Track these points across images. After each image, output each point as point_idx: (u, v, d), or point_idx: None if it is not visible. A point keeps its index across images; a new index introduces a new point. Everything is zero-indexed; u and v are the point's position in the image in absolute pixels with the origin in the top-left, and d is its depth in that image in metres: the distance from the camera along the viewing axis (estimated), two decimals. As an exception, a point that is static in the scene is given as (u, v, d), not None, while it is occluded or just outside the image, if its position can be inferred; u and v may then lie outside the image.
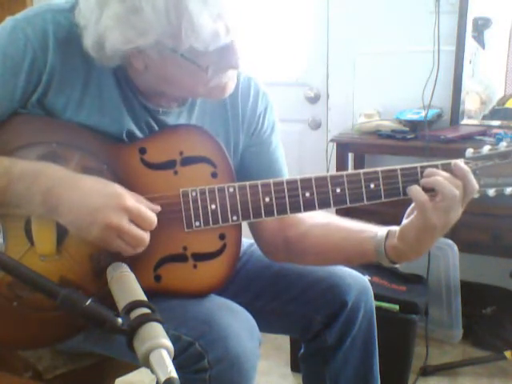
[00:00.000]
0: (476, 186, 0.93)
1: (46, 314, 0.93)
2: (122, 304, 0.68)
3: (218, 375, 0.91)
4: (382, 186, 0.95)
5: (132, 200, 0.88)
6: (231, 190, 0.97)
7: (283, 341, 2.11)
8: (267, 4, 2.34)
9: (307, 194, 0.96)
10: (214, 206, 0.96)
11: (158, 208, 0.93)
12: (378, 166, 0.97)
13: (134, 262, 0.90)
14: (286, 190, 0.97)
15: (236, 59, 0.89)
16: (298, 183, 0.96)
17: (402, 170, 0.95)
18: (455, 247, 2.04)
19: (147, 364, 0.60)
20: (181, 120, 1.03)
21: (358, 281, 1.16)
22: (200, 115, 1.05)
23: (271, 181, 0.97)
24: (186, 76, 0.90)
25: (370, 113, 2.27)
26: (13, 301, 0.94)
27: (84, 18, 0.87)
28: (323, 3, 2.39)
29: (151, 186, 0.96)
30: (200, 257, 0.99)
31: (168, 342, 0.61)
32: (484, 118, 2.22)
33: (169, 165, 0.97)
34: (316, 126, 2.57)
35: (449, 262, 2.08)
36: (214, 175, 0.99)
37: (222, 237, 1.00)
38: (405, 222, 0.96)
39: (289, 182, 0.97)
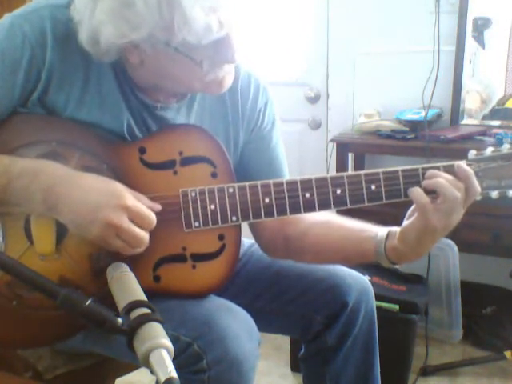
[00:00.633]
0: (478, 188, 0.92)
1: (45, 314, 0.93)
2: (121, 304, 0.68)
3: (216, 376, 0.90)
4: (383, 188, 0.95)
5: (132, 199, 0.88)
6: (231, 190, 0.96)
7: (283, 341, 2.11)
8: (267, 4, 2.34)
9: (307, 195, 0.96)
10: (213, 207, 0.96)
11: (159, 207, 0.93)
12: (378, 166, 0.97)
13: (134, 262, 0.90)
14: (285, 191, 0.96)
15: (232, 53, 0.88)
16: (298, 184, 0.96)
17: (403, 171, 0.95)
18: (455, 247, 2.04)
19: (147, 364, 0.60)
20: (180, 115, 1.03)
21: (358, 281, 1.15)
22: (199, 111, 1.05)
23: (271, 181, 0.97)
24: (180, 70, 0.90)
25: (370, 113, 2.27)
26: (12, 300, 0.93)
27: (79, 13, 0.87)
28: (323, 3, 2.39)
29: (151, 185, 0.96)
30: (199, 257, 0.98)
31: (168, 342, 0.61)
32: (484, 117, 2.22)
33: (168, 165, 0.97)
34: (316, 126, 2.57)
35: (449, 261, 2.08)
36: (213, 175, 0.99)
37: (221, 237, 0.99)
38: (405, 223, 0.95)
39: (289, 183, 0.96)
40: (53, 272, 0.92)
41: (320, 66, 2.46)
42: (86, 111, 0.94)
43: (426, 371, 1.99)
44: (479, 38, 2.23)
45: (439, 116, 2.17)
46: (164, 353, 0.59)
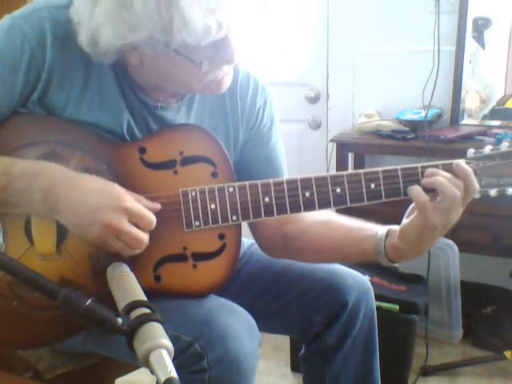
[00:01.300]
0: (477, 186, 0.92)
1: (45, 314, 0.93)
2: (121, 304, 0.68)
3: (217, 376, 0.90)
4: (382, 186, 0.95)
5: (132, 200, 0.88)
6: (231, 189, 0.96)
7: (283, 341, 2.11)
8: (267, 4, 2.34)
9: (307, 194, 0.96)
10: (213, 206, 0.96)
11: (159, 206, 0.93)
12: (378, 166, 0.97)
13: (134, 262, 0.90)
14: (285, 190, 0.96)
15: (231, 54, 0.88)
16: (298, 183, 0.96)
17: (402, 170, 0.95)
18: (455, 247, 2.04)
19: (147, 364, 0.60)
20: (180, 115, 1.03)
21: (358, 281, 1.15)
22: (199, 110, 1.05)
23: (271, 181, 0.97)
24: (180, 71, 0.90)
25: (370, 113, 2.27)
26: (13, 300, 0.94)
27: (78, 14, 0.87)
28: (323, 3, 2.39)
29: (151, 185, 0.96)
30: (200, 256, 0.99)
31: (168, 342, 0.61)
32: (484, 117, 2.22)
33: (169, 164, 0.97)
34: (316, 125, 2.57)
35: (449, 262, 2.08)
36: (214, 175, 0.99)
37: (221, 236, 1.00)
38: (405, 221, 0.95)
39: (289, 182, 0.97)
40: (53, 272, 0.93)
41: (320, 66, 2.46)
42: (86, 111, 0.94)
43: (426, 371, 1.99)
44: (479, 38, 2.23)
45: (439, 116, 2.17)
46: (164, 353, 0.59)
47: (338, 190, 0.96)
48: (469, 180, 0.91)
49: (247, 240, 1.20)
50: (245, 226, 1.03)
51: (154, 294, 0.89)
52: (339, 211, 1.09)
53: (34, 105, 0.93)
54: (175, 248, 0.98)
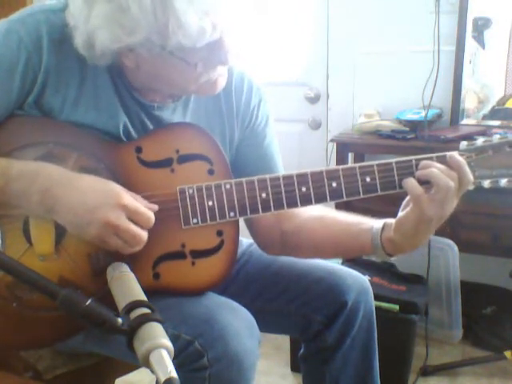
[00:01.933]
0: (471, 177, 0.93)
1: (45, 315, 0.93)
2: (121, 304, 0.68)
3: (217, 373, 0.91)
4: (377, 180, 0.96)
5: (129, 198, 0.89)
6: (228, 186, 0.97)
7: (283, 341, 2.11)
8: (267, 4, 2.34)
9: (304, 189, 0.97)
10: (211, 203, 0.97)
11: (156, 207, 0.93)
12: (377, 166, 0.97)
13: (133, 261, 0.90)
14: (282, 186, 0.97)
15: (225, 55, 0.89)
16: (295, 178, 0.97)
17: (397, 163, 0.95)
18: (455, 247, 2.04)
19: (147, 364, 0.60)
20: (176, 115, 1.04)
21: (357, 281, 1.15)
22: (195, 110, 1.06)
23: (267, 176, 0.97)
24: (175, 73, 0.91)
25: (370, 113, 2.27)
26: (12, 302, 0.93)
27: (74, 17, 0.87)
28: (323, 3, 2.39)
29: (148, 184, 0.96)
30: (198, 254, 0.99)
31: (168, 342, 0.61)
32: (484, 117, 2.22)
33: (165, 163, 0.98)
34: (316, 126, 2.57)
35: (449, 262, 2.08)
36: (210, 172, 0.99)
37: (219, 233, 1.00)
38: (400, 214, 0.96)
39: (285, 178, 0.97)
40: (52, 272, 0.93)
41: (320, 66, 2.46)
42: (82, 113, 0.94)
43: (426, 371, 1.99)
44: (479, 38, 2.23)
45: (439, 116, 2.17)
46: (164, 353, 0.59)
47: (334, 184, 0.96)
48: (463, 171, 0.92)
49: (246, 240, 1.21)
50: (243, 226, 1.03)
51: (154, 291, 0.90)
52: (339, 208, 1.09)
53: (31, 107, 0.93)
54: (174, 246, 0.98)
